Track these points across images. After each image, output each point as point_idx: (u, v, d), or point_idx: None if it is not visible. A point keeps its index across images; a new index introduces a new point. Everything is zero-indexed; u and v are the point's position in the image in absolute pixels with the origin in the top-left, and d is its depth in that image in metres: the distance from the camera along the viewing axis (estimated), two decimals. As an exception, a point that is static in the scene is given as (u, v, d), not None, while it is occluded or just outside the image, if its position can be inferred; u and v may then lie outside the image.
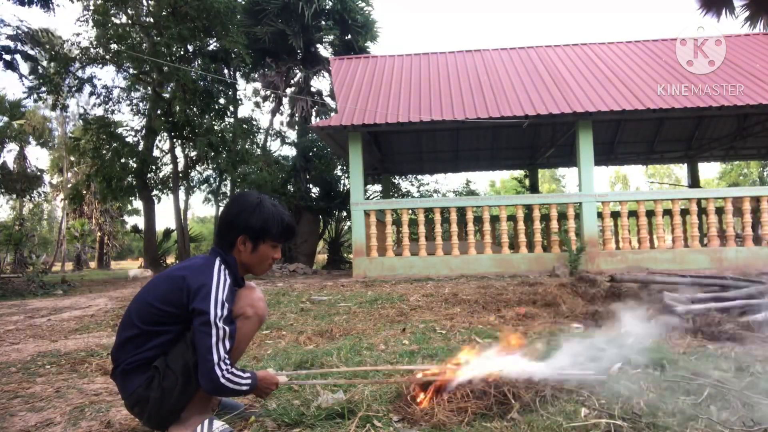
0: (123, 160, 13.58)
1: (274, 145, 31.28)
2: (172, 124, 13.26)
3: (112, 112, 14.51)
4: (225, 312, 1.68)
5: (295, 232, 1.96)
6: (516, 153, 14.23)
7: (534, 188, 15.07)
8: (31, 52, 11.30)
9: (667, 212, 9.57)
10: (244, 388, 1.71)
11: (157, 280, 1.83)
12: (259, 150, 17.17)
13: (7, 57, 10.42)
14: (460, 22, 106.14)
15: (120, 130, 14.56)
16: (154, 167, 14.30)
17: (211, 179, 17.13)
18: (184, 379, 1.68)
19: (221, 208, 18.20)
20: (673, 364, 2.37)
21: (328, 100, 16.90)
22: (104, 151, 13.66)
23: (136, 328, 1.74)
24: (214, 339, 1.64)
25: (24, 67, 11.17)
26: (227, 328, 1.67)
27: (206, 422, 1.73)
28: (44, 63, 11.83)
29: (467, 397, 1.88)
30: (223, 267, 1.78)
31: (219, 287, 1.71)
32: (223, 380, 1.65)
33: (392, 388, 2.16)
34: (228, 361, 1.67)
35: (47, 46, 12.35)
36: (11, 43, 10.75)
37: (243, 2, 14.80)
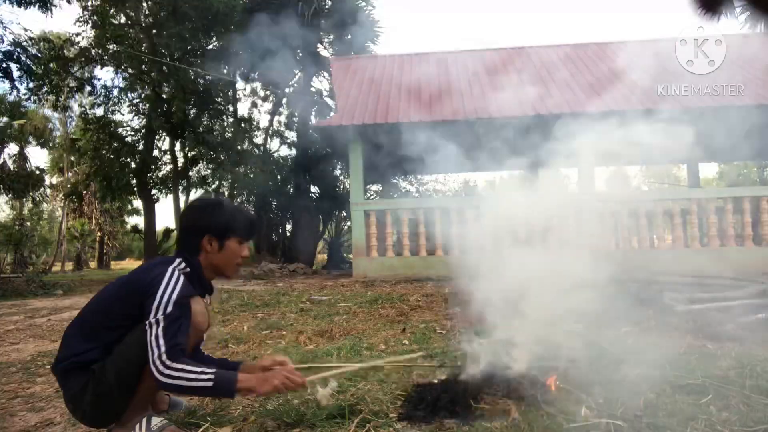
0: (123, 160, 13.59)
1: (274, 145, 31.28)
2: (171, 124, 13.28)
3: (112, 112, 14.53)
4: (169, 308, 1.62)
5: (257, 227, 1.94)
6: (516, 153, 14.21)
7: (534, 188, 15.04)
8: (29, 62, 11.24)
9: (667, 212, 9.56)
10: (198, 384, 1.59)
11: (118, 280, 1.81)
12: (258, 150, 17.19)
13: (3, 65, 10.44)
14: (460, 22, 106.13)
15: (120, 130, 14.58)
16: (153, 167, 14.32)
17: (210, 179, 17.15)
18: (117, 387, 1.65)
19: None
20: (673, 364, 2.37)
21: (328, 100, 16.89)
22: (104, 151, 13.68)
23: (93, 326, 1.74)
24: (149, 336, 1.61)
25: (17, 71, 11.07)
26: (163, 321, 1.61)
27: (144, 420, 1.71)
28: (40, 71, 11.75)
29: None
30: (178, 268, 1.74)
31: (168, 286, 1.66)
32: (161, 377, 1.58)
33: (393, 388, 2.16)
34: (165, 357, 1.58)
35: (46, 52, 12.32)
36: (12, 48, 10.73)
37: (243, 2, 14.80)
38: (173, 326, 1.62)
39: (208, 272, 1.86)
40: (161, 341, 1.59)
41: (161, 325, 1.60)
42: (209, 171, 16.66)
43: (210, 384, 1.58)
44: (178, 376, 1.57)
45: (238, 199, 18.11)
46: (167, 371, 1.57)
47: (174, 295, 1.65)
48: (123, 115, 15.08)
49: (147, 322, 1.62)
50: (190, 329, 1.72)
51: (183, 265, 1.78)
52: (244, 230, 1.87)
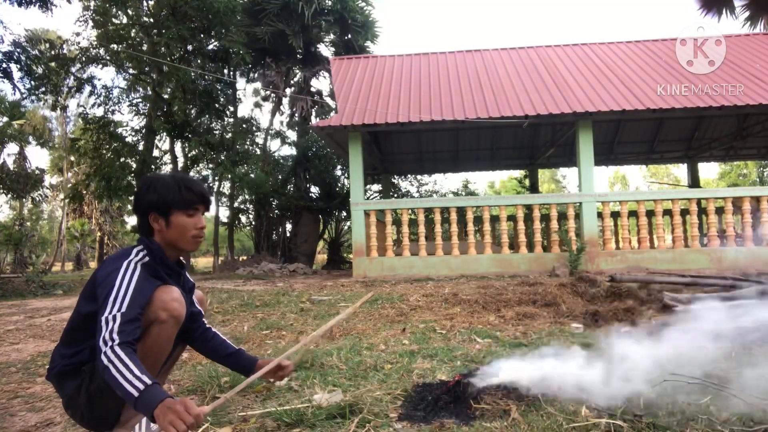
0: (123, 160, 13.58)
1: (274, 145, 31.33)
2: (172, 124, 13.27)
3: (112, 112, 14.52)
4: (124, 307, 1.56)
5: (204, 193, 1.82)
6: (516, 153, 14.23)
7: (534, 188, 15.07)
8: (29, 62, 11.21)
9: (667, 212, 9.57)
10: (127, 386, 1.40)
11: (89, 280, 1.79)
12: (258, 150, 17.20)
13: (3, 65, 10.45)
14: (460, 22, 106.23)
15: (120, 130, 14.57)
16: (153, 167, 14.30)
17: (210, 179, 17.15)
18: (108, 386, 1.59)
19: (220, 208, 18.16)
20: (673, 363, 2.37)
21: (328, 100, 16.90)
22: (104, 151, 13.68)
23: (73, 327, 1.74)
24: (104, 330, 1.51)
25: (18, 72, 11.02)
26: (120, 318, 1.53)
27: (144, 420, 1.69)
28: (40, 70, 11.72)
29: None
30: (134, 260, 1.69)
31: (123, 282, 1.61)
32: (103, 357, 1.44)
33: (393, 388, 2.16)
34: (117, 344, 1.46)
35: (46, 52, 12.30)
36: (12, 48, 10.72)
37: (243, 2, 14.81)
38: (129, 326, 1.54)
39: (169, 251, 1.80)
40: (115, 335, 1.49)
41: (118, 321, 1.52)
42: (210, 171, 16.68)
43: (136, 393, 1.39)
44: (118, 365, 1.43)
45: (239, 199, 18.15)
46: (111, 354, 1.45)
47: (130, 292, 1.60)
48: (123, 115, 15.10)
49: (103, 318, 1.53)
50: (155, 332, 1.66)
51: (141, 254, 1.74)
52: (185, 201, 1.76)
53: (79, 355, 1.70)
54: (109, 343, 1.48)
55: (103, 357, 1.46)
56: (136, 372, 1.42)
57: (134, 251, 1.75)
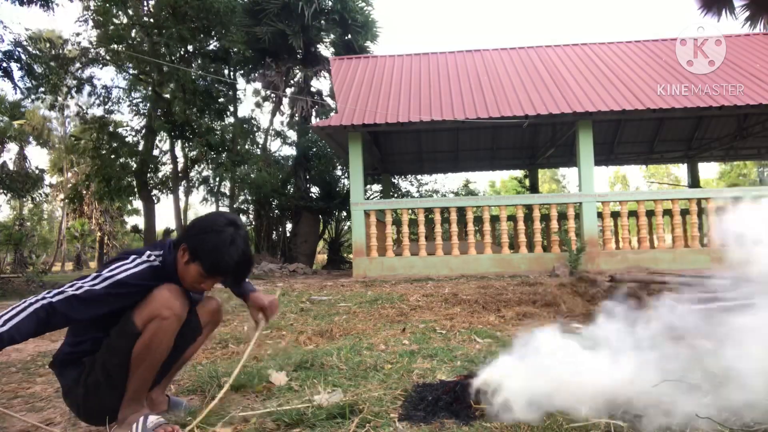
0: (122, 160, 13.58)
1: (274, 145, 31.32)
2: (172, 124, 13.27)
3: (112, 112, 14.53)
4: (99, 286, 1.58)
5: (230, 275, 1.81)
6: (516, 153, 14.23)
7: (534, 188, 15.06)
8: (30, 61, 11.21)
9: (667, 212, 9.58)
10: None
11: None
12: (259, 150, 17.20)
13: (4, 64, 10.45)
14: (460, 22, 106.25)
15: (120, 130, 14.58)
16: (153, 167, 14.30)
17: (211, 179, 17.15)
18: (105, 380, 1.66)
19: (220, 208, 18.23)
20: (673, 363, 2.37)
21: (328, 100, 16.90)
22: (104, 151, 13.68)
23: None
24: (67, 286, 1.56)
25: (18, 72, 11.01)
26: (83, 293, 1.55)
27: (141, 419, 1.71)
28: (41, 70, 11.71)
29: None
30: (143, 259, 1.71)
31: (119, 267, 1.64)
32: (30, 298, 1.51)
33: (393, 388, 2.16)
34: (49, 303, 1.50)
35: (47, 52, 12.30)
36: (12, 48, 10.71)
37: (243, 2, 14.80)
38: (81, 304, 1.56)
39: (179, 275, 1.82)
40: (56, 298, 1.52)
41: (76, 293, 1.54)
42: (210, 171, 16.69)
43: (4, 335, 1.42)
44: (16, 309, 1.48)
45: (239, 199, 18.14)
46: (30, 302, 1.49)
47: (115, 278, 1.61)
48: (123, 114, 15.10)
49: (74, 282, 1.57)
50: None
51: (154, 257, 1.75)
52: (207, 266, 1.73)
53: (82, 345, 1.72)
54: (45, 296, 1.52)
55: (30, 298, 1.51)
56: (6, 316, 1.45)
57: (147, 253, 1.76)
